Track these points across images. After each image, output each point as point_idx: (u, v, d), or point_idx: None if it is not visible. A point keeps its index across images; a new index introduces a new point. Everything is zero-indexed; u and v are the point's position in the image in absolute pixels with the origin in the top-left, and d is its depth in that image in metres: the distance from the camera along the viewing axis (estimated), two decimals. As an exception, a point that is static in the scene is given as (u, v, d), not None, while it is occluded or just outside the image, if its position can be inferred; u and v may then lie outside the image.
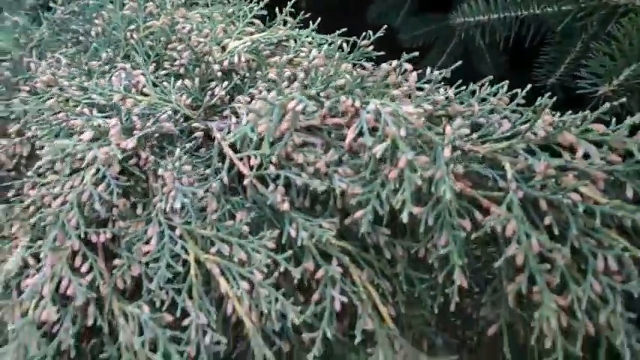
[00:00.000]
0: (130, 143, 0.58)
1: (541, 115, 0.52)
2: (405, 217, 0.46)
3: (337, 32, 0.80)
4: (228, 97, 0.74)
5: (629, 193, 0.49)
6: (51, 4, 0.97)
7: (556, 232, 0.48)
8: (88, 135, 0.58)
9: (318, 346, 0.52)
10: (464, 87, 0.61)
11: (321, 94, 0.61)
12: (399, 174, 0.48)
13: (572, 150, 0.51)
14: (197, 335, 0.53)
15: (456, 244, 0.47)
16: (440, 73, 0.59)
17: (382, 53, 0.75)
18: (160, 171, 0.58)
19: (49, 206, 0.58)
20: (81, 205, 0.57)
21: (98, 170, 0.60)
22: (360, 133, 0.52)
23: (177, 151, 0.61)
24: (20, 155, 0.69)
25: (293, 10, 0.86)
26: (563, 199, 0.48)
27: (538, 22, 1.10)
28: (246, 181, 0.60)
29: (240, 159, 0.62)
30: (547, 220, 0.48)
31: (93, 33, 0.87)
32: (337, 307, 0.53)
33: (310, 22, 0.83)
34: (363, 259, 0.58)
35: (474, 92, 0.61)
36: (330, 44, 0.79)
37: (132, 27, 0.86)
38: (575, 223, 0.47)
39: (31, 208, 0.63)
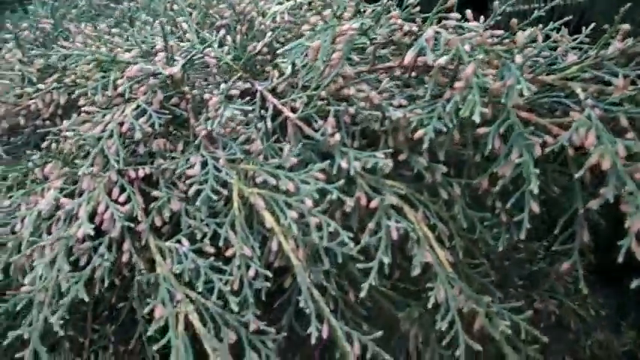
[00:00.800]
0: (175, 69, 0.56)
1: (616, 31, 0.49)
2: (476, 118, 0.43)
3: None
4: (269, 56, 0.72)
5: None
6: None
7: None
8: (134, 52, 0.56)
9: (373, 275, 0.48)
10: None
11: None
12: (465, 85, 0.45)
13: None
14: (240, 269, 0.49)
15: (530, 154, 0.43)
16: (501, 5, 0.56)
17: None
18: (206, 95, 0.55)
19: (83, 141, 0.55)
20: (121, 135, 0.54)
21: (138, 106, 0.57)
22: (420, 54, 0.49)
23: (223, 84, 0.58)
24: (57, 104, 0.67)
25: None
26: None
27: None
28: (290, 125, 0.57)
29: (284, 104, 0.59)
30: (629, 135, 0.44)
31: (131, 5, 0.87)
32: (394, 235, 0.49)
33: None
34: (418, 200, 0.54)
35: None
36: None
37: (170, -1, 0.85)
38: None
39: (67, 147, 0.60)
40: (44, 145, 0.65)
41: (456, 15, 0.54)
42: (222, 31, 0.70)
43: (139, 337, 0.76)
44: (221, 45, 0.69)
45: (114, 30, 0.76)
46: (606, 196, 0.42)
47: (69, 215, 0.52)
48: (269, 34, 0.69)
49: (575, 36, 0.57)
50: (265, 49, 0.70)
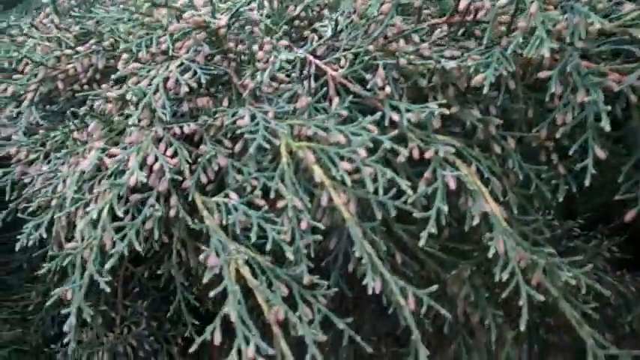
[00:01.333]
0: (222, 22, 0.55)
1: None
2: (546, 52, 0.41)
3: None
4: (306, 21, 0.71)
5: None
6: None
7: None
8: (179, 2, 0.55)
9: (431, 223, 0.46)
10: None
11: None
12: (528, 22, 0.44)
13: None
14: (292, 221, 0.48)
15: (598, 93, 0.42)
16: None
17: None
18: (255, 47, 0.54)
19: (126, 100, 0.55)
20: (166, 90, 0.54)
21: (182, 63, 0.57)
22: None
23: (268, 38, 0.57)
24: (95, 68, 0.67)
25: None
26: None
27: None
28: (332, 84, 0.56)
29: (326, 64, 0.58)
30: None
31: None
32: (452, 185, 0.47)
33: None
34: (470, 154, 0.53)
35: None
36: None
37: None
38: None
39: (110, 107, 0.60)
40: (84, 108, 0.65)
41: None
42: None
43: (178, 307, 0.75)
44: (260, 8, 0.68)
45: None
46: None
47: (119, 166, 0.51)
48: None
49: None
50: (303, 14, 0.69)
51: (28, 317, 0.96)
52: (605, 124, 0.42)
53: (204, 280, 0.46)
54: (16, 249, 0.62)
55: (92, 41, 0.68)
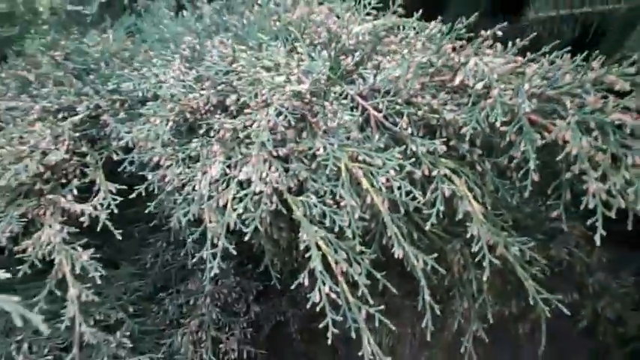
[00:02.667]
0: (305, 86, 0.87)
1: (590, 66, 0.77)
2: (498, 124, 0.73)
3: (437, 20, 1.07)
4: (354, 67, 1.02)
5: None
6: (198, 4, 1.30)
7: (599, 142, 0.73)
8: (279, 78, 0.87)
9: (434, 216, 0.79)
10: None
11: (431, 57, 0.88)
12: (494, 101, 0.75)
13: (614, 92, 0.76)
14: (349, 214, 0.81)
15: (532, 146, 0.73)
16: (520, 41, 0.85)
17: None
18: (327, 104, 0.86)
19: (245, 128, 0.88)
20: (267, 128, 0.86)
21: (276, 109, 0.89)
22: (464, 78, 0.79)
23: (332, 94, 0.89)
24: (212, 104, 0.99)
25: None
26: (605, 119, 0.73)
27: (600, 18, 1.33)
28: (373, 120, 0.88)
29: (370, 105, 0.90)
30: (594, 134, 0.73)
31: (244, 22, 1.18)
32: (447, 193, 0.79)
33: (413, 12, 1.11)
34: (461, 171, 0.84)
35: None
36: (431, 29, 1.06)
37: (274, 17, 1.16)
38: (614, 134, 0.72)
39: (227, 135, 0.93)
40: (201, 132, 0.98)
41: (489, 52, 0.83)
42: (319, 48, 1.00)
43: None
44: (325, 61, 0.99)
45: (241, 47, 1.07)
46: (575, 171, 0.71)
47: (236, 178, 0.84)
48: (357, 53, 0.99)
49: (574, 58, 0.86)
50: (352, 62, 1.01)
51: (144, 273, 1.33)
52: (532, 164, 0.73)
53: (301, 248, 0.79)
54: (164, 227, 0.97)
55: (207, 83, 1.00)
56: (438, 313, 0.82)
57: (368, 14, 1.14)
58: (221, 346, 1.28)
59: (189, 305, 1.31)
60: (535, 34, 0.85)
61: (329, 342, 0.77)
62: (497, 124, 0.74)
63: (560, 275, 1.20)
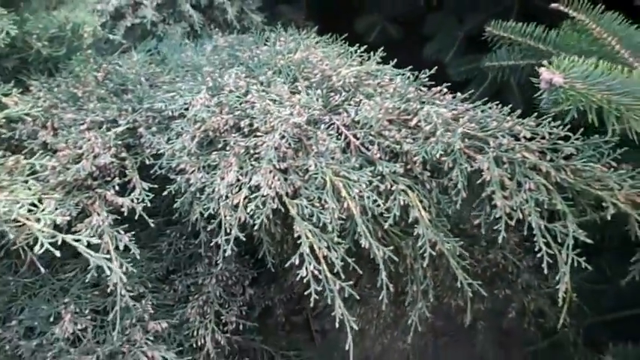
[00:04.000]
0: (304, 117, 1.19)
1: (504, 120, 1.11)
2: (437, 156, 1.06)
3: (407, 68, 1.40)
4: (341, 102, 1.35)
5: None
6: (213, 36, 1.62)
7: (508, 172, 1.06)
8: (286, 111, 1.20)
9: (391, 219, 1.11)
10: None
11: (397, 103, 1.21)
12: (437, 139, 1.08)
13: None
14: (332, 213, 1.13)
15: (461, 172, 1.06)
16: (465, 97, 1.18)
17: (433, 82, 1.35)
18: (318, 132, 1.19)
19: (256, 146, 1.20)
20: (274, 148, 1.18)
21: (280, 133, 1.21)
22: (419, 120, 1.12)
23: (323, 124, 1.22)
24: (229, 125, 1.31)
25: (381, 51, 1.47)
26: (514, 156, 1.06)
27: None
28: (352, 146, 1.20)
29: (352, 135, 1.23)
30: (505, 166, 1.06)
31: (253, 58, 1.51)
32: (402, 203, 1.12)
33: (390, 60, 1.44)
34: (414, 187, 1.17)
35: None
36: (402, 75, 1.39)
37: (279, 57, 1.48)
38: (519, 167, 1.05)
39: (241, 150, 1.24)
40: (219, 146, 1.30)
41: (440, 101, 1.17)
42: (314, 86, 1.33)
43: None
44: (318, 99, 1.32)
45: (252, 80, 1.39)
46: (488, 192, 1.04)
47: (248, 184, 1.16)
48: (344, 93, 1.32)
49: (502, 109, 1.19)
50: (340, 100, 1.33)
51: (160, 258, 1.63)
52: (460, 186, 1.06)
53: (295, 235, 1.11)
54: (178, 221, 1.29)
55: (226, 109, 1.32)
56: (392, 291, 1.15)
57: (354, 60, 1.47)
58: (222, 317, 1.59)
59: (196, 285, 1.62)
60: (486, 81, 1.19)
61: (311, 304, 1.09)
62: (438, 155, 1.07)
63: (496, 275, 1.54)
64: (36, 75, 1.46)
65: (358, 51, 1.47)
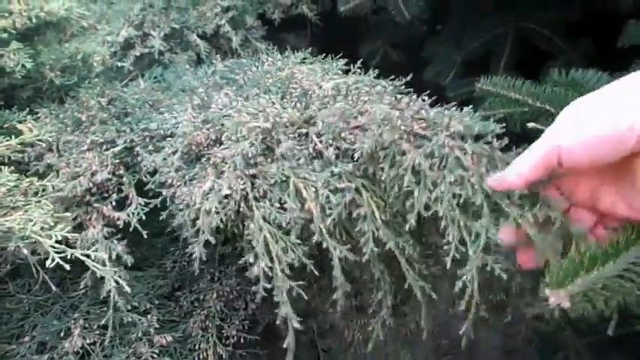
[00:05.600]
0: (269, 124, 1.29)
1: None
2: (368, 151, 1.13)
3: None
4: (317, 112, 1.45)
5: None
6: (213, 61, 1.78)
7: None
8: (256, 122, 1.31)
9: (337, 212, 1.18)
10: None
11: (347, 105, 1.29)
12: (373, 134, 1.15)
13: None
14: (292, 213, 1.21)
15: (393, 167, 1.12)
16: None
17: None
18: (282, 137, 1.29)
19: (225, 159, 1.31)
20: (243, 155, 1.29)
21: (250, 142, 1.32)
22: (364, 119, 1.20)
23: (288, 138, 1.31)
24: (211, 139, 1.43)
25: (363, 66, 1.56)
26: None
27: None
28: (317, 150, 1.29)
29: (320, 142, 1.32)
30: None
31: (246, 79, 1.64)
32: (349, 199, 1.19)
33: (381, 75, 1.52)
34: (371, 188, 1.23)
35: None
36: (382, 85, 1.47)
37: (268, 75, 1.61)
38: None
39: (217, 161, 1.36)
40: (203, 160, 1.43)
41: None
42: (295, 100, 1.44)
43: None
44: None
45: (239, 98, 1.52)
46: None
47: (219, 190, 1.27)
48: (317, 102, 1.41)
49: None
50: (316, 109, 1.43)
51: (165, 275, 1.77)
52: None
53: (246, 237, 1.20)
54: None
55: (209, 125, 1.45)
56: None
57: (336, 74, 1.57)
58: (223, 331, 1.69)
59: (199, 300, 1.73)
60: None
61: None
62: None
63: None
64: (47, 103, 1.66)
65: (340, 65, 1.57)
